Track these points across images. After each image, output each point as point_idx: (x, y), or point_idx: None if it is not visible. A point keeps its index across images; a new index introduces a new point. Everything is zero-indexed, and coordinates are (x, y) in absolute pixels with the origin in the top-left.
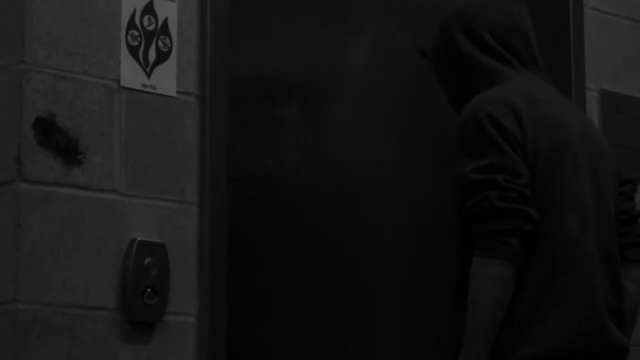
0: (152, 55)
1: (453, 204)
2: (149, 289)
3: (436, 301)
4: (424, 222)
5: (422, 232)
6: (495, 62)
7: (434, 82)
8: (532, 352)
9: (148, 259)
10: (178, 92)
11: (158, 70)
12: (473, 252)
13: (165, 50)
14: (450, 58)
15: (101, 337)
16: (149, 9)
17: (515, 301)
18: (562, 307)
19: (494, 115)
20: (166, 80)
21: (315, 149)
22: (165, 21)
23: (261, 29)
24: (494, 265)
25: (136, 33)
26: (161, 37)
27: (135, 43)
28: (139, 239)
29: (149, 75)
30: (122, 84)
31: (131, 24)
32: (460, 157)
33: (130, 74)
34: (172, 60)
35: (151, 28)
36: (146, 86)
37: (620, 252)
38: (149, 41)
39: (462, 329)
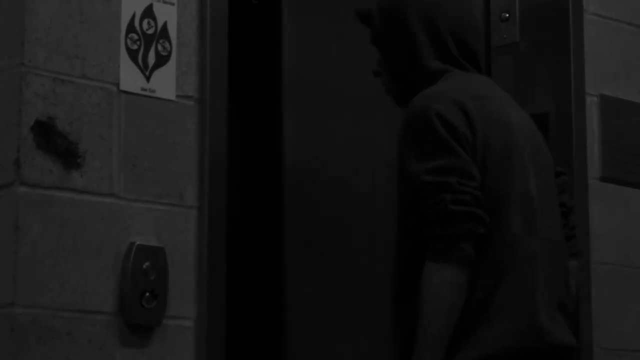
0: (151, 58)
1: (398, 205)
2: (147, 293)
3: None
4: None
5: None
6: (444, 59)
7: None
8: (476, 354)
9: (147, 263)
10: (177, 96)
11: (157, 73)
12: (424, 256)
13: (164, 53)
14: (397, 39)
15: (99, 340)
16: (148, 13)
17: (465, 304)
18: (507, 309)
19: (444, 115)
20: (166, 83)
21: (315, 151)
22: (165, 25)
23: (261, 31)
24: (449, 269)
25: (135, 36)
26: (160, 41)
27: (135, 46)
28: (137, 243)
29: (148, 78)
30: (122, 87)
31: (131, 28)
32: (410, 157)
33: (130, 77)
34: (172, 64)
35: (151, 31)
36: (145, 90)
37: None
38: (148, 45)
39: (408, 334)
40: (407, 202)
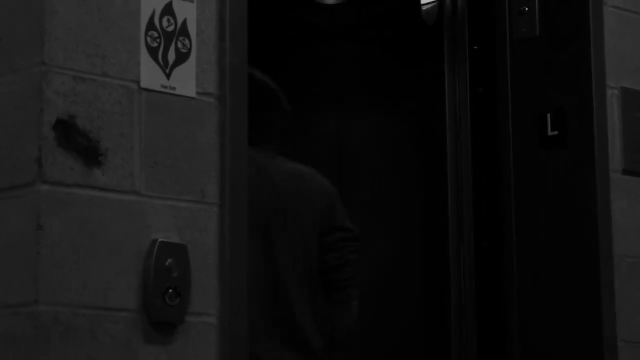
0: (171, 56)
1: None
2: (170, 290)
3: None
4: None
5: None
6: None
7: None
8: None
9: (169, 260)
10: (198, 93)
11: (178, 71)
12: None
13: (184, 51)
14: None
15: (122, 338)
16: (168, 10)
17: None
18: None
19: None
20: (186, 81)
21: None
22: (185, 22)
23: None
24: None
25: (156, 34)
26: (181, 38)
27: (155, 44)
28: (160, 240)
29: (168, 76)
30: (142, 85)
31: (150, 25)
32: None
33: (150, 75)
34: (192, 61)
35: (170, 29)
36: (166, 87)
37: (327, 296)
38: (168, 42)
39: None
40: (328, 245)
